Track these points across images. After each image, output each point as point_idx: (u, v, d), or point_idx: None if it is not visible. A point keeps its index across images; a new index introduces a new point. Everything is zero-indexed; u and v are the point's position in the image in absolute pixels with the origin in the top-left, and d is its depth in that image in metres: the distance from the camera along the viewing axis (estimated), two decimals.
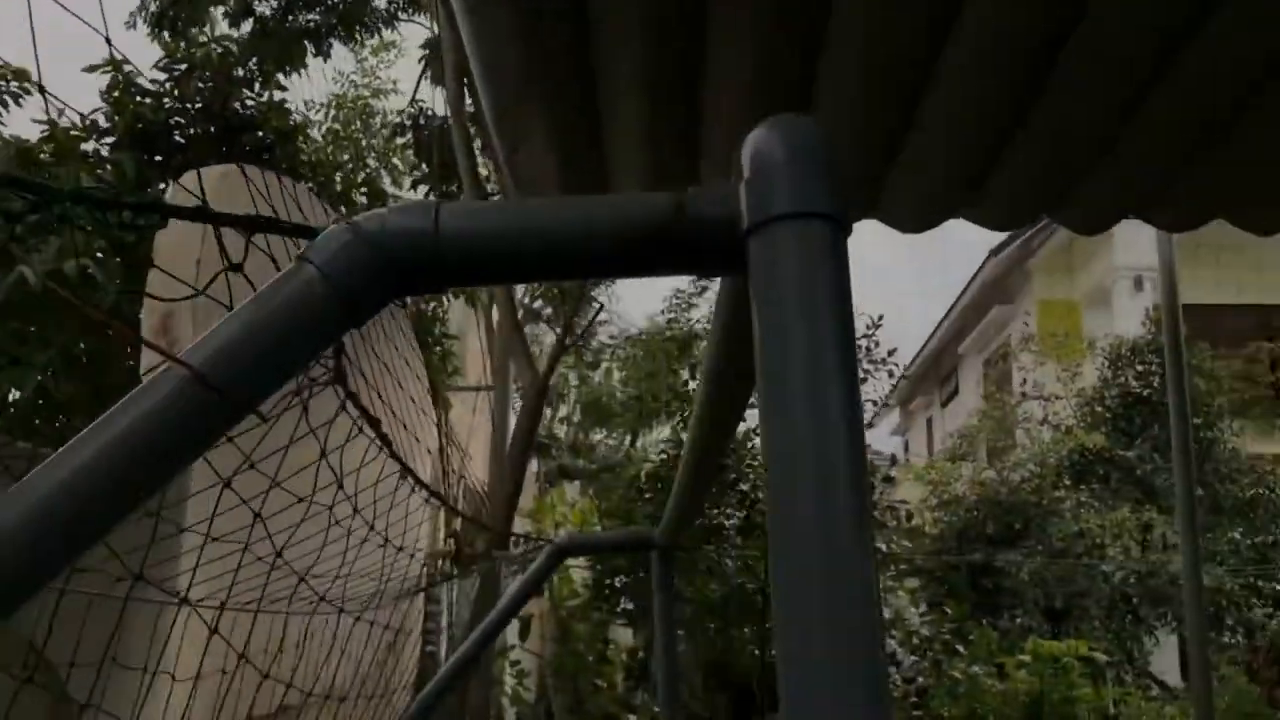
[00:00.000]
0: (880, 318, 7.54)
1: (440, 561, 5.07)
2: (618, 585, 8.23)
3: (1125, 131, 3.91)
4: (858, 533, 0.70)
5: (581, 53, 3.42)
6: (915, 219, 5.06)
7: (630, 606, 8.47)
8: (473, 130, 7.03)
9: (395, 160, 12.57)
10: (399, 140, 10.83)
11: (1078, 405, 15.27)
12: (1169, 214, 5.24)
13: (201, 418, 0.75)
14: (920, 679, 7.22)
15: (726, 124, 3.85)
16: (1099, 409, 14.78)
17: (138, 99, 7.03)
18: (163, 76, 7.35)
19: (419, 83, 10.39)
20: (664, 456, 7.88)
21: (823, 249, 0.74)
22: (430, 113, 9.90)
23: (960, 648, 7.42)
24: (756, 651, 7.48)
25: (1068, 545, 11.92)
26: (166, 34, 9.43)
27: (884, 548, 7.58)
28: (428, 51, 10.22)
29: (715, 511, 7.05)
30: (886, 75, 3.56)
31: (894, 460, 9.61)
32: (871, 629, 0.68)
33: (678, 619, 9.10)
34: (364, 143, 12.54)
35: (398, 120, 10.58)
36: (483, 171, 7.99)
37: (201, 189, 1.14)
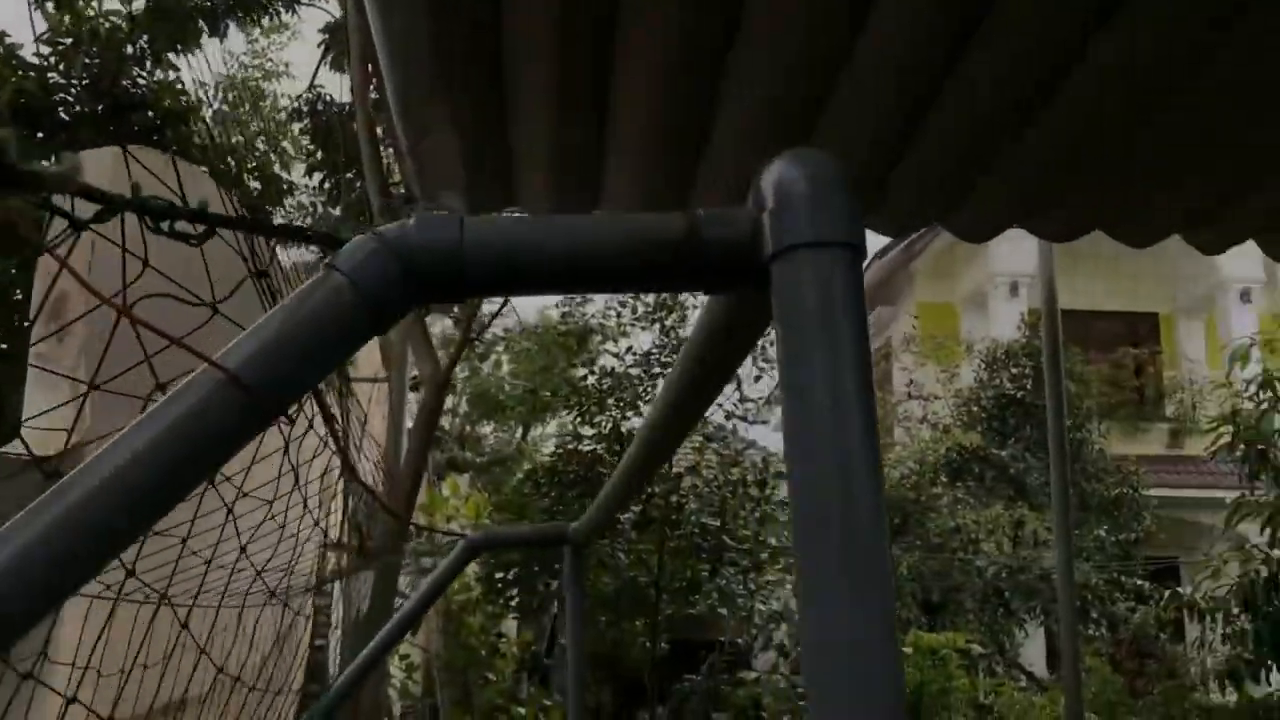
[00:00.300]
0: None
1: (338, 555, 5.02)
2: (510, 579, 8.23)
3: (1016, 144, 4.08)
4: (877, 541, 0.76)
5: (493, 48, 3.42)
6: None
7: (522, 600, 8.48)
8: (376, 118, 6.95)
9: (286, 144, 12.32)
10: (296, 125, 10.62)
11: (955, 405, 15.78)
12: (1052, 225, 5.47)
13: (235, 420, 0.77)
14: None
15: (634, 130, 3.89)
16: (975, 409, 15.30)
17: (19, 72, 6.76)
18: (47, 50, 7.08)
19: (318, 67, 10.21)
20: (560, 451, 7.92)
21: (846, 275, 0.80)
22: (329, 98, 9.75)
23: None
24: (648, 644, 7.57)
25: (944, 540, 12.33)
26: (51, 5, 9.07)
27: (773, 541, 7.78)
28: (327, 36, 10.05)
29: None
30: (791, 82, 3.66)
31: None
32: (889, 624, 0.73)
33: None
34: (255, 126, 12.25)
35: (294, 105, 10.38)
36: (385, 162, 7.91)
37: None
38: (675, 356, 7.43)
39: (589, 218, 0.92)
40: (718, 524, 7.11)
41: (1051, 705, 7.43)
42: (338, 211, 8.92)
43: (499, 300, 10.22)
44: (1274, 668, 7.59)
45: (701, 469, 7.33)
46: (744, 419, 7.81)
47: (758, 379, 7.93)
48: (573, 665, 3.59)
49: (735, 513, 7.28)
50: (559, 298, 11.39)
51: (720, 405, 7.72)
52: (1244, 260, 16.64)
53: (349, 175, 9.04)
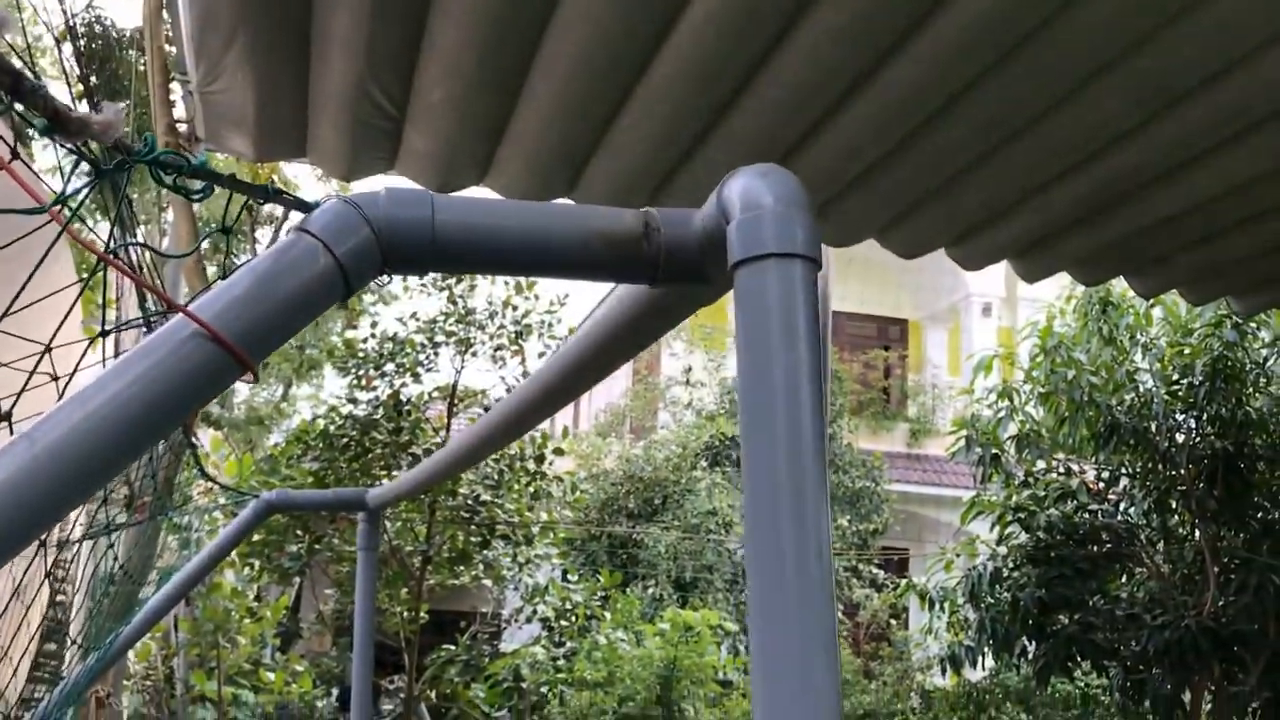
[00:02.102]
0: (566, 296, 7.77)
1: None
2: (265, 540, 7.95)
3: (805, 147, 4.27)
4: (819, 521, 0.82)
5: None
6: (611, 205, 5.26)
7: (277, 562, 8.21)
8: (168, 51, 6.53)
9: (43, 63, 11.38)
10: (66, 46, 9.81)
11: (720, 393, 16.33)
12: (832, 230, 5.76)
13: (208, 371, 0.75)
14: (569, 643, 7.55)
15: (441, 95, 3.85)
16: (737, 397, 15.88)
17: None
18: None
19: None
20: (332, 413, 7.69)
21: (803, 285, 0.86)
22: (110, 22, 9.08)
23: (608, 614, 7.82)
24: (408, 613, 7.50)
25: (701, 522, 12.76)
26: None
27: (545, 516, 7.85)
28: None
29: (382, 473, 6.99)
30: (593, 75, 3.71)
31: (566, 432, 9.88)
32: (828, 600, 0.80)
33: (331, 578, 8.94)
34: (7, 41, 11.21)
35: (64, 24, 9.57)
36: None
37: None
38: (462, 326, 7.43)
39: (554, 207, 0.94)
40: (491, 497, 7.10)
41: None
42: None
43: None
44: (990, 654, 8.28)
45: None
46: None
47: (541, 355, 7.98)
48: (361, 630, 3.54)
49: (510, 486, 7.30)
50: None
51: (503, 379, 7.72)
52: (987, 277, 17.98)
53: (123, 107, 8.43)
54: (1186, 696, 8.38)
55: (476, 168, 4.45)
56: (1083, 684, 8.31)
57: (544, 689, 7.23)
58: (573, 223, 0.94)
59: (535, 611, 7.76)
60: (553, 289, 7.80)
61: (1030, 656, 8.18)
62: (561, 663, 7.33)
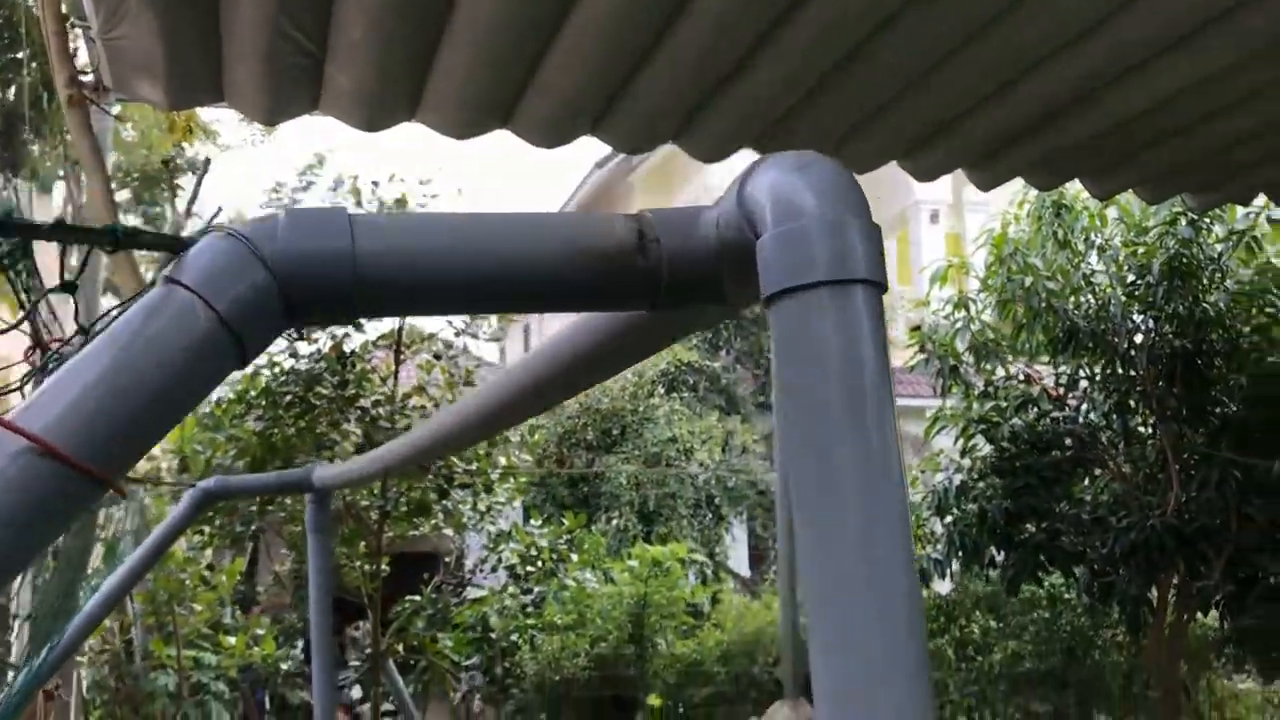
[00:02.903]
0: None
1: None
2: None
3: (749, 69, 4.10)
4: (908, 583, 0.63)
5: None
6: (548, 135, 5.05)
7: (228, 527, 7.97)
8: None
9: None
10: None
11: None
12: (782, 147, 5.57)
13: (57, 496, 0.51)
14: (537, 589, 7.42)
15: (359, 31, 3.60)
16: None
17: None
18: None
19: None
20: (285, 369, 7.36)
21: (869, 319, 0.65)
22: None
23: (575, 556, 7.70)
24: (368, 567, 7.32)
25: (661, 450, 12.66)
26: None
27: (504, 461, 7.66)
28: None
29: (330, 429, 6.74)
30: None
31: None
32: (918, 629, 0.61)
33: (286, 539, 8.72)
34: None
35: None
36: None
37: None
38: None
39: (515, 219, 0.72)
40: None
41: (765, 609, 7.80)
42: (10, 96, 7.83)
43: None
44: (957, 566, 8.28)
45: (429, 389, 7.08)
46: (475, 336, 7.59)
47: None
48: (317, 607, 3.34)
49: None
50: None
51: (450, 322, 7.47)
52: (934, 183, 17.83)
53: (18, 56, 7.97)
54: (1153, 594, 8.46)
55: (406, 104, 4.23)
56: (1050, 588, 8.35)
57: (514, 636, 7.12)
58: (542, 238, 0.72)
59: (500, 560, 7.62)
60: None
61: (999, 566, 8.19)
62: (530, 609, 7.22)
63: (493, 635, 7.06)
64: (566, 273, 0.71)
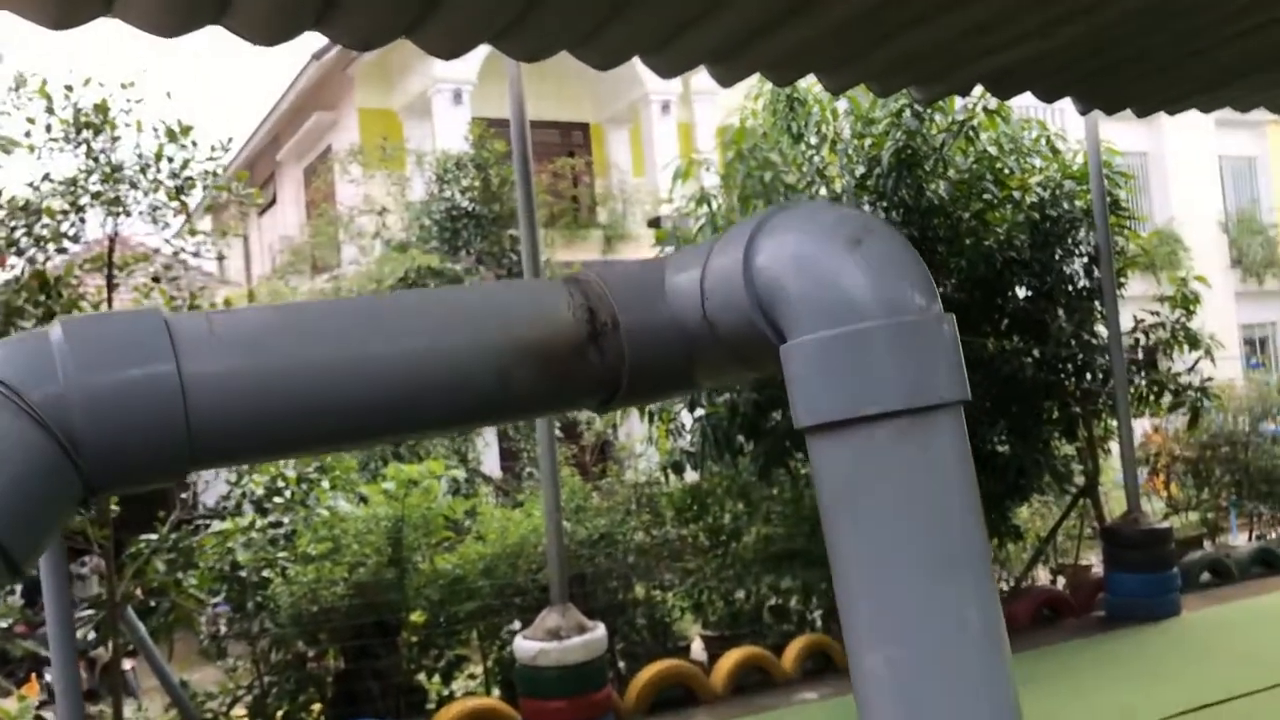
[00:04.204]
0: (230, 140, 6.86)
1: None
2: None
3: None
4: None
5: None
6: (268, 30, 4.61)
7: None
8: None
9: None
10: None
11: (408, 220, 15.57)
12: (524, 45, 5.34)
13: None
14: (288, 519, 7.04)
15: None
16: (427, 222, 15.20)
17: None
18: None
19: None
20: None
21: (954, 454, 0.48)
22: None
23: (325, 482, 7.35)
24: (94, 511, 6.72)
25: None
26: None
27: None
28: None
29: None
30: None
31: (252, 295, 8.98)
32: None
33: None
34: None
35: None
36: None
37: None
38: (108, 186, 6.41)
39: (420, 310, 0.51)
40: None
41: (526, 516, 7.75)
42: None
43: None
44: (708, 458, 8.48)
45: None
46: (196, 254, 6.97)
47: (209, 208, 7.11)
48: (45, 558, 2.96)
49: None
50: None
51: (168, 241, 6.81)
52: None
53: None
54: None
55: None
56: (794, 471, 8.71)
57: (264, 571, 6.76)
58: (463, 339, 0.52)
59: (244, 494, 7.17)
60: (214, 134, 6.81)
61: (748, 455, 8.45)
62: (282, 540, 6.86)
63: (241, 571, 6.67)
64: (495, 389, 0.52)
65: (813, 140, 8.72)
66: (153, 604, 6.91)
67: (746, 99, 8.99)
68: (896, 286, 0.48)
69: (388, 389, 0.45)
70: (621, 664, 7.80)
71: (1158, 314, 9.64)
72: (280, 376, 0.44)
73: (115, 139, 6.44)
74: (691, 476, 8.99)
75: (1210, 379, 9.67)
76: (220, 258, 7.72)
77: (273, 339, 0.48)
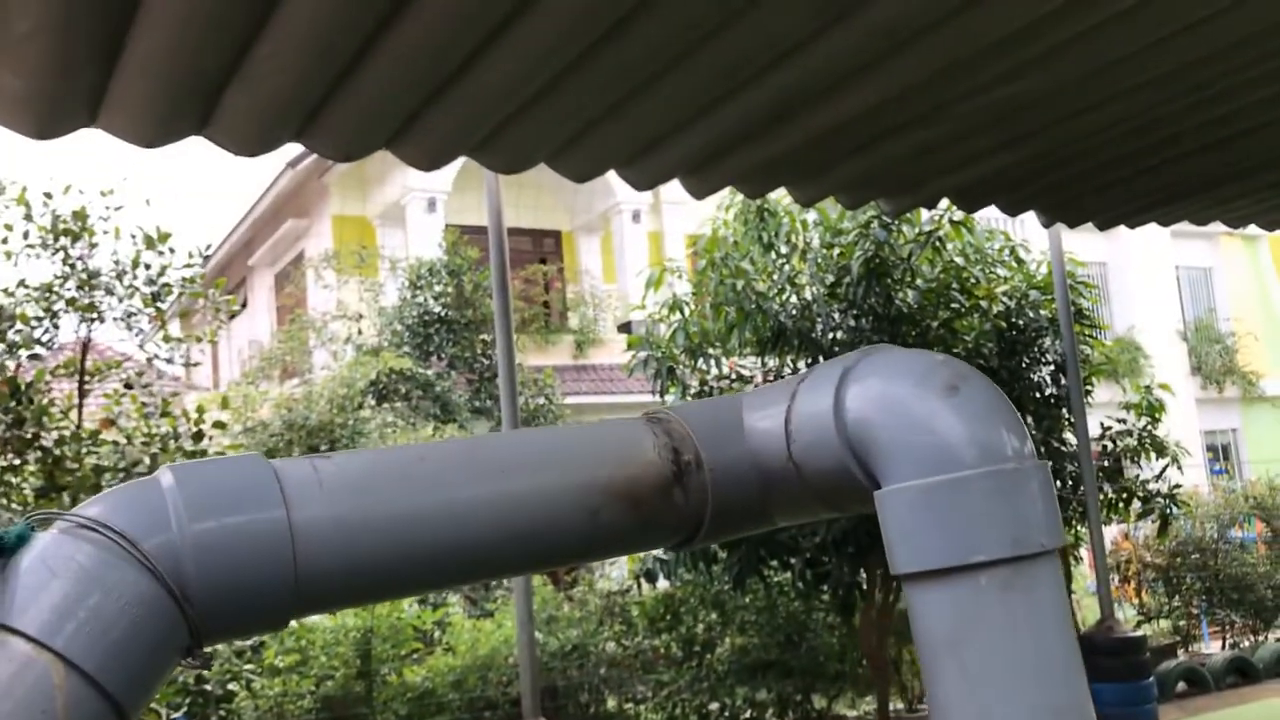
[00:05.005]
0: (208, 247, 6.91)
1: None
2: None
3: (468, 72, 3.97)
4: None
5: None
6: (249, 141, 4.68)
7: None
8: None
9: None
10: None
11: (381, 325, 15.60)
12: (502, 157, 5.44)
13: None
14: None
15: (25, 28, 3.24)
16: (399, 328, 15.24)
17: None
18: None
19: None
20: None
21: (1053, 603, 0.50)
22: None
23: None
24: None
25: None
26: None
27: None
28: None
29: (8, 474, 5.93)
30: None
31: (226, 401, 8.93)
32: None
33: None
34: None
35: None
36: None
37: None
38: (84, 292, 6.41)
39: (513, 454, 0.52)
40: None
41: (496, 627, 7.63)
42: None
43: None
44: (684, 567, 8.42)
45: (120, 421, 6.40)
46: (169, 361, 6.96)
47: (184, 315, 7.12)
48: None
49: None
50: None
51: (142, 347, 6.80)
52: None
53: None
54: (861, 577, 8.94)
55: (85, 106, 3.80)
56: (768, 580, 8.66)
57: (229, 684, 6.59)
58: (553, 483, 0.53)
59: None
60: (191, 241, 6.81)
61: (724, 564, 8.39)
62: (248, 652, 6.71)
63: (206, 685, 6.50)
64: (585, 529, 0.53)
65: (783, 249, 8.87)
66: None
67: (718, 209, 9.17)
68: (994, 434, 0.49)
69: (485, 531, 0.45)
70: None
71: (1124, 421, 9.75)
72: (385, 522, 0.45)
73: (93, 245, 6.47)
74: (664, 584, 8.92)
75: (1178, 486, 9.74)
76: (191, 364, 7.69)
77: (377, 484, 0.49)
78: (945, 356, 0.61)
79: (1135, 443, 9.58)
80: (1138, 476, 9.77)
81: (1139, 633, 9.22)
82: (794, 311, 8.71)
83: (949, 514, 0.49)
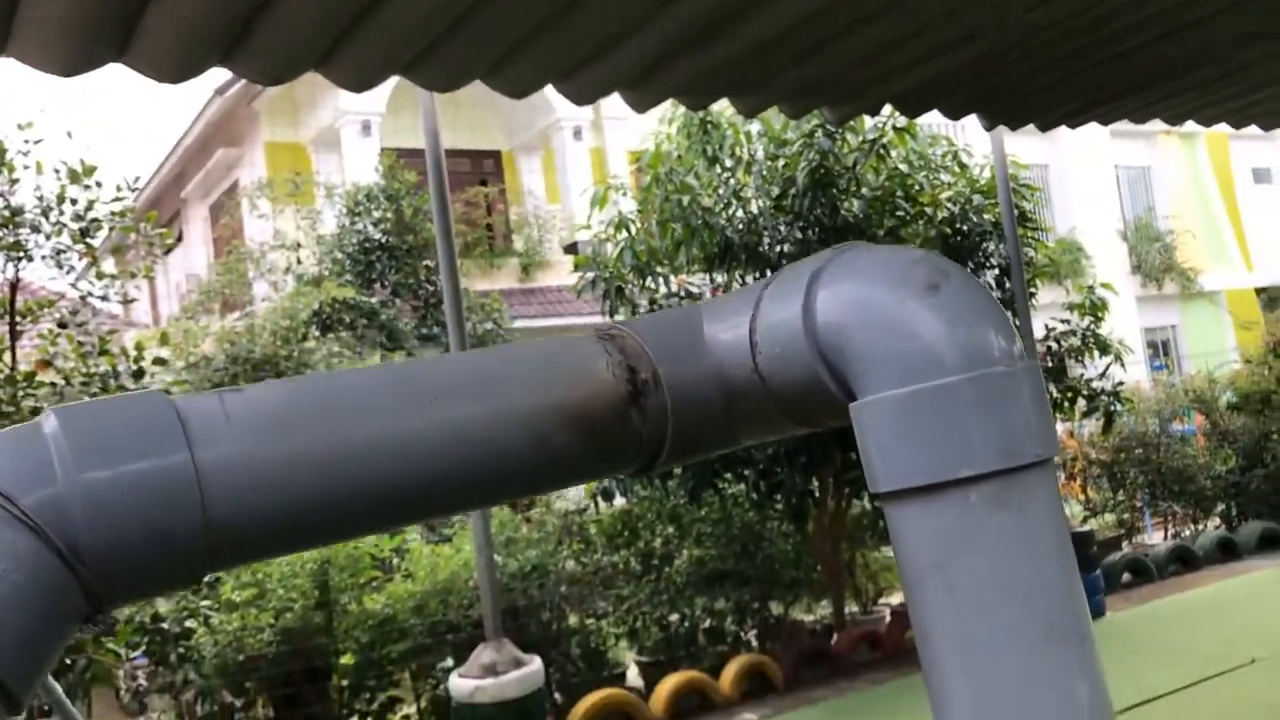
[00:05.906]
0: (136, 179, 6.68)
1: None
2: None
3: None
4: None
5: None
6: (171, 67, 4.50)
7: None
8: None
9: None
10: None
11: (321, 253, 15.33)
12: (434, 75, 5.29)
13: None
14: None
15: None
16: (340, 255, 14.99)
17: None
18: None
19: None
20: None
21: (1047, 515, 0.46)
22: None
23: None
24: None
25: None
26: None
27: None
28: None
29: None
30: None
31: (165, 337, 8.72)
32: None
33: None
34: None
35: None
36: None
37: None
38: (8, 230, 6.17)
39: (451, 377, 0.47)
40: None
41: (455, 552, 7.63)
42: None
43: None
44: (636, 482, 8.46)
45: (57, 361, 6.23)
46: (105, 298, 6.77)
47: (115, 251, 6.92)
48: None
49: None
50: None
51: (75, 285, 6.59)
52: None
53: None
54: (813, 486, 9.04)
55: None
56: (722, 492, 8.74)
57: (187, 621, 6.56)
58: (499, 408, 0.48)
59: None
60: (118, 173, 6.51)
61: (679, 479, 8.44)
62: (205, 588, 6.67)
63: (162, 623, 6.45)
64: (534, 458, 0.48)
65: (728, 163, 8.79)
66: (68, 661, 6.65)
67: (660, 123, 9.04)
68: (979, 334, 0.45)
69: (422, 465, 0.42)
70: (558, 695, 7.72)
71: (1068, 322, 9.87)
72: (307, 460, 0.41)
73: (14, 181, 6.24)
74: (620, 502, 8.97)
75: (1121, 383, 9.91)
76: (128, 300, 7.51)
77: (296, 417, 0.45)
78: (924, 252, 0.57)
79: (1079, 342, 9.70)
80: (1082, 375, 9.92)
81: (1086, 527, 9.45)
82: (740, 226, 8.67)
83: (932, 425, 0.46)
